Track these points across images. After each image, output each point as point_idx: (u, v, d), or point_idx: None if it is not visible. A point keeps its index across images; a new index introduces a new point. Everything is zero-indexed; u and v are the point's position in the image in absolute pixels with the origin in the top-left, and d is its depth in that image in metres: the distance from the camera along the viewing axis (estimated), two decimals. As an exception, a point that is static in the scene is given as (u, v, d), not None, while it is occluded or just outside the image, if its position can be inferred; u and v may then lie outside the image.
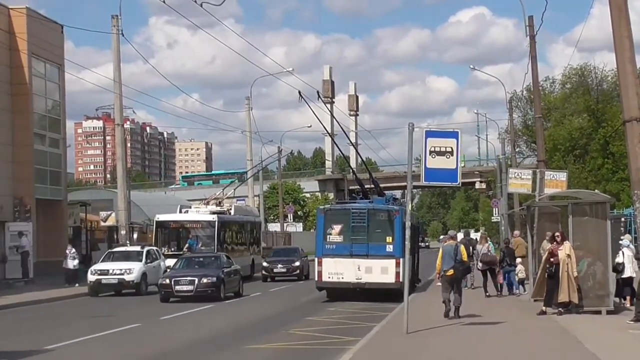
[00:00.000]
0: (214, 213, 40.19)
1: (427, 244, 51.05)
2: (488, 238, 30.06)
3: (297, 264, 41.59)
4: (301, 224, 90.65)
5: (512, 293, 28.23)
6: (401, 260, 26.33)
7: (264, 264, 41.86)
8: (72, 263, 36.73)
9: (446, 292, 21.00)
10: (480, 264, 28.83)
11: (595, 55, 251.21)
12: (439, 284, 22.11)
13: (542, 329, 18.51)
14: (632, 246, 22.39)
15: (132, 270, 32.62)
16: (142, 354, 17.03)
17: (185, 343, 18.51)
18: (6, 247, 38.18)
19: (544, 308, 21.24)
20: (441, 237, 22.85)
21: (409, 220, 18.61)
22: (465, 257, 21.33)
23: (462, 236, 23.26)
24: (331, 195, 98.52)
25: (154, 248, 36.49)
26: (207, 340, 18.87)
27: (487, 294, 27.99)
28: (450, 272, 20.78)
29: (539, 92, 39.22)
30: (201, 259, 31.87)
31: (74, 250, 37.56)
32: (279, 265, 41.17)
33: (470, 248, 30.61)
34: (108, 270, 32.65)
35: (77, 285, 35.62)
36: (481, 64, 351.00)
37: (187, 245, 38.40)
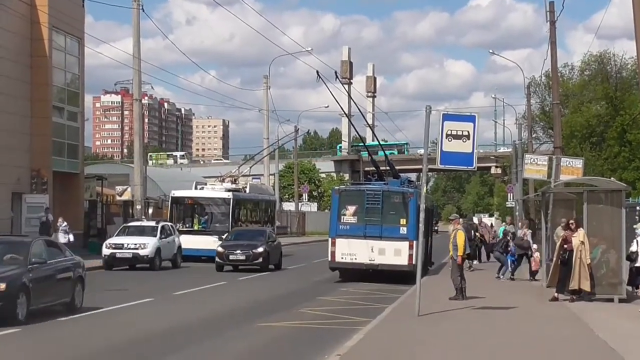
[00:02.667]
0: (229, 190, 40.17)
1: (436, 228, 49.84)
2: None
3: (260, 250, 32.65)
4: (316, 203, 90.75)
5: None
6: (414, 242, 26.37)
7: (219, 248, 33.08)
8: (63, 237, 32.66)
9: (458, 276, 21.16)
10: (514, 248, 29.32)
11: (615, 42, 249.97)
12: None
13: (553, 316, 18.54)
14: (646, 235, 22.32)
15: (147, 245, 32.67)
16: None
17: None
18: (23, 218, 38.28)
19: (556, 294, 21.28)
20: (451, 217, 22.74)
21: (424, 203, 18.64)
22: None
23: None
24: (346, 176, 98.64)
25: (169, 224, 36.58)
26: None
27: (513, 277, 28.49)
28: (467, 254, 21.76)
29: (558, 78, 39.02)
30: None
31: (65, 223, 34.94)
32: (238, 251, 32.51)
33: (472, 232, 30.77)
34: (122, 245, 32.80)
35: None
36: (499, 49, 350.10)
37: (200, 223, 38.71)
